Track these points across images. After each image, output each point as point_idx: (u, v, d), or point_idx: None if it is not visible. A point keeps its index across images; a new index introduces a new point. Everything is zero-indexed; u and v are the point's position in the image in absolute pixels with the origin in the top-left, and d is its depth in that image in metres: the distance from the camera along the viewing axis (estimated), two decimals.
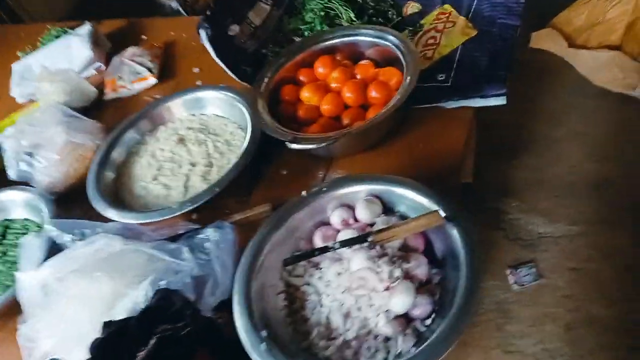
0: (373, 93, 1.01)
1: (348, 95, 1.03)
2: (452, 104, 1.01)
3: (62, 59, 1.53)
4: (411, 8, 1.28)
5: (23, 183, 1.17)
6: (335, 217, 0.85)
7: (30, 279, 0.84)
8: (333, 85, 1.06)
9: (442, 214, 0.75)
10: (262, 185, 1.04)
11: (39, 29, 1.78)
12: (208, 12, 1.25)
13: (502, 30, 1.12)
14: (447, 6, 1.23)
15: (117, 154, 1.13)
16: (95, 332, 0.82)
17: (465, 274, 0.71)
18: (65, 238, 0.92)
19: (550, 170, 1.53)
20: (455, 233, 0.75)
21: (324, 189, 0.86)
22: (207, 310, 0.85)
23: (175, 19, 1.65)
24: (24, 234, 1.10)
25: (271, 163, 1.06)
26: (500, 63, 1.05)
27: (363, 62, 1.10)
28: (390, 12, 1.28)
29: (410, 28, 1.22)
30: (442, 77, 1.07)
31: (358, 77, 1.06)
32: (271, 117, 1.02)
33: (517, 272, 1.37)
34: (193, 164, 1.07)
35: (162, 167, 1.09)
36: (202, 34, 1.21)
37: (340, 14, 1.27)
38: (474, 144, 1.48)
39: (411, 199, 0.80)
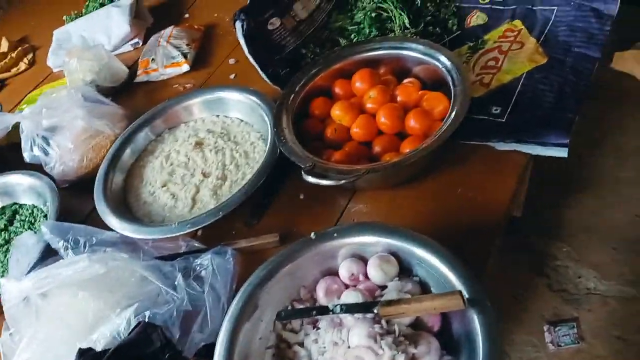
0: (412, 122, 0.88)
1: (383, 120, 0.90)
2: (503, 146, 0.87)
3: (101, 30, 1.46)
4: (476, 18, 1.12)
5: (38, 166, 1.12)
6: (344, 270, 0.74)
7: (13, 288, 0.79)
8: (368, 105, 0.93)
9: (465, 295, 0.63)
10: (274, 207, 0.94)
11: None
12: (248, 1, 1.14)
13: (578, 61, 0.95)
14: (517, 22, 1.07)
15: (130, 153, 1.06)
16: (71, 356, 0.76)
17: None
18: (59, 244, 0.86)
19: (610, 217, 1.34)
20: (476, 319, 0.63)
21: (335, 234, 0.75)
22: (192, 350, 0.77)
23: None
24: (31, 222, 1.05)
25: (287, 183, 0.96)
26: (568, 102, 0.89)
27: (407, 81, 0.97)
28: (450, 21, 1.12)
29: (471, 43, 1.07)
30: (497, 110, 0.92)
31: (399, 99, 0.93)
32: (294, 135, 0.91)
33: (556, 330, 1.21)
34: (206, 174, 0.98)
35: (174, 172, 1.01)
36: (238, 27, 1.10)
37: (393, 18, 1.13)
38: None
39: (433, 265, 0.68)
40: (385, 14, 1.15)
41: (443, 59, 0.91)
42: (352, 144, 0.92)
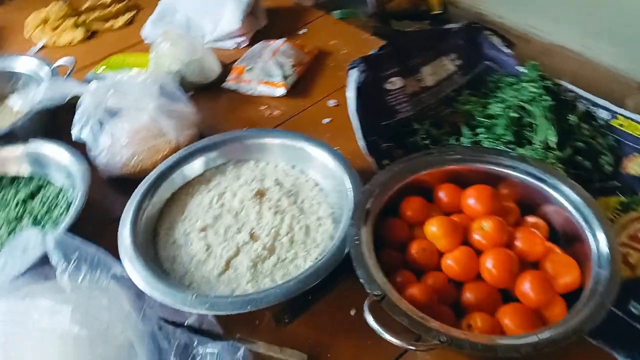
0: (526, 287, 0.66)
1: (490, 268, 0.68)
2: None
3: (209, 16, 1.33)
4: (633, 165, 0.89)
5: (81, 145, 0.98)
6: None
7: None
8: (476, 237, 0.72)
9: None
10: (314, 310, 0.75)
11: None
12: (372, 52, 0.96)
13: None
14: None
15: (183, 172, 0.90)
16: None
17: None
18: (58, 262, 0.71)
19: None
20: None
21: None
22: None
23: (346, 26, 1.37)
24: (50, 208, 0.92)
25: (340, 284, 0.77)
26: None
27: (532, 221, 0.75)
28: (604, 157, 0.90)
29: (623, 199, 0.83)
30: (637, 309, 0.69)
31: (517, 244, 0.71)
32: (372, 240, 0.71)
33: None
34: (254, 237, 0.80)
35: (221, 217, 0.84)
36: (352, 75, 0.93)
37: (535, 127, 0.91)
38: None
39: None
40: (526, 119, 0.94)
41: (592, 219, 0.69)
42: (438, 276, 0.71)
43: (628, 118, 0.95)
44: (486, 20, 2.07)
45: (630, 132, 0.94)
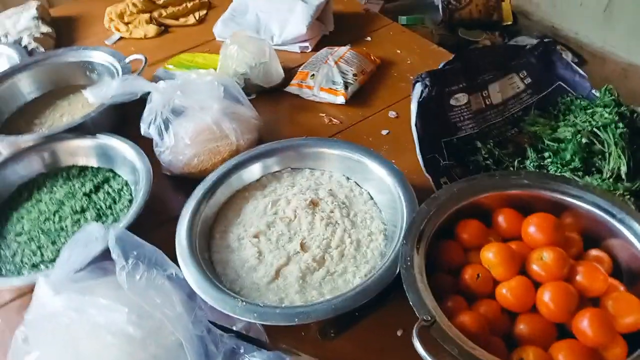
0: (584, 325, 0.63)
1: (548, 302, 0.65)
2: None
3: (277, 19, 1.35)
4: None
5: (148, 141, 1.01)
6: None
7: (46, 296, 0.68)
8: (534, 267, 0.70)
9: None
10: (360, 325, 0.75)
11: None
12: (441, 66, 0.94)
13: None
14: None
15: (240, 177, 0.91)
16: None
17: None
18: (119, 258, 0.74)
19: None
20: None
21: None
22: None
23: (413, 35, 1.35)
24: (114, 200, 0.96)
25: (388, 304, 0.76)
26: None
27: (594, 255, 0.72)
28: None
29: None
30: None
31: (578, 278, 0.68)
32: (424, 262, 0.70)
33: None
34: (304, 248, 0.81)
35: (274, 225, 0.84)
36: (417, 89, 0.91)
37: (606, 157, 0.87)
38: None
39: None
40: (597, 146, 0.89)
41: None
42: (491, 305, 0.69)
43: None
44: (560, 35, 2.00)
45: None
